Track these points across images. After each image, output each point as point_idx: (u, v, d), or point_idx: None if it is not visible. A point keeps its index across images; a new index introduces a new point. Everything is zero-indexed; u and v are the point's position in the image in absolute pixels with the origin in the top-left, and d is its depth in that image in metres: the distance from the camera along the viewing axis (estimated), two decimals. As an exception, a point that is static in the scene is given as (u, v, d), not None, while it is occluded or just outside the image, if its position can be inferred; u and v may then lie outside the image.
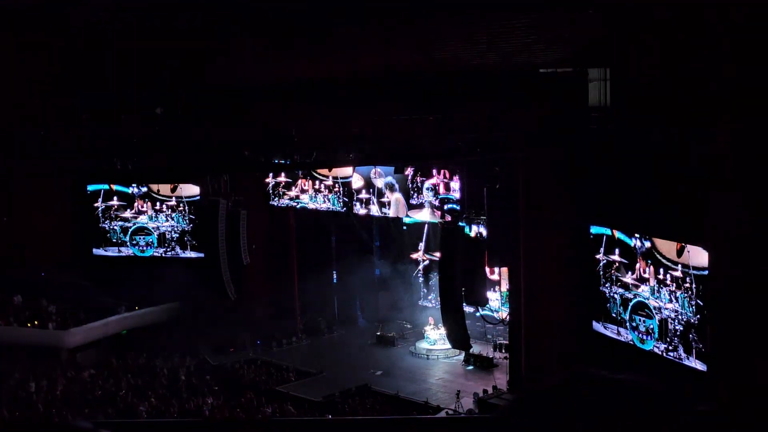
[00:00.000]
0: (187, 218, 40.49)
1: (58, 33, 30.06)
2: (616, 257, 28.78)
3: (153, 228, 41.02)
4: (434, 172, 34.99)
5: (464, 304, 30.99)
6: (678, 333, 26.53)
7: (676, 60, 25.74)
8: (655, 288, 27.34)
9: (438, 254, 34.26)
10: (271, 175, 38.90)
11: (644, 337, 27.99)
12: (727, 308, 19.68)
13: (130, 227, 41.29)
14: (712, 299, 21.13)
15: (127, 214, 41.23)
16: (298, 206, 39.95)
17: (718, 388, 19.98)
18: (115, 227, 41.38)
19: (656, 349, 27.44)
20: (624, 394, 1.26)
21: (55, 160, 26.80)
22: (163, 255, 40.85)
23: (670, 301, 26.71)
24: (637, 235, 27.91)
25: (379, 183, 37.10)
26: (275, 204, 40.28)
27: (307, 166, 30.56)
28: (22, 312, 37.73)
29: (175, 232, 40.79)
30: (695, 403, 1.30)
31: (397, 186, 36.54)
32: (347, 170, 36.98)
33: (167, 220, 40.82)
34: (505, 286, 33.95)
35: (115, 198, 41.16)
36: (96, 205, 41.34)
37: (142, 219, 41.11)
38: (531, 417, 1.25)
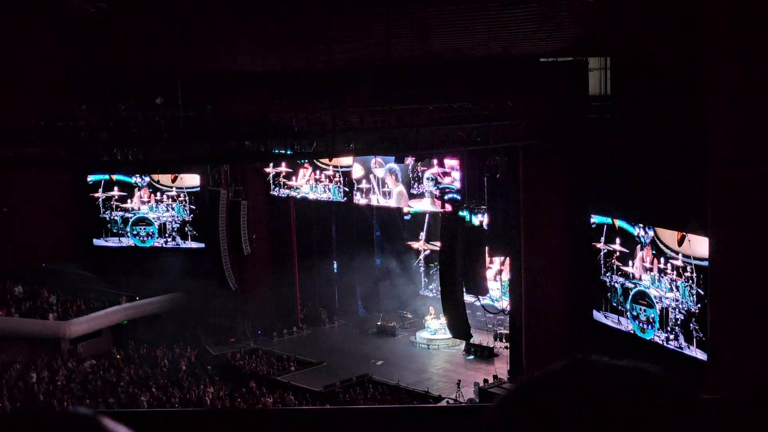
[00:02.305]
0: (187, 209, 40.51)
1: (58, 23, 30.05)
2: (617, 246, 28.79)
3: (154, 218, 41.04)
4: (435, 161, 34.94)
5: (465, 293, 31.00)
6: (679, 322, 26.56)
7: (677, 48, 25.71)
8: (656, 277, 27.37)
9: (438, 244, 34.22)
10: (271, 165, 38.83)
11: (645, 327, 28.03)
12: (727, 297, 19.68)
13: (131, 218, 41.32)
14: (712, 288, 21.14)
15: (128, 204, 41.26)
16: (298, 196, 39.92)
17: (718, 376, 19.99)
18: (116, 218, 41.41)
19: (657, 339, 27.47)
20: (625, 381, 1.25)
21: (55, 150, 26.77)
22: (164, 245, 40.88)
23: (671, 290, 26.74)
24: (639, 225, 27.92)
25: (380, 173, 37.05)
26: (276, 194, 40.25)
27: (307, 156, 30.51)
28: (23, 302, 37.76)
29: (175, 223, 40.82)
30: (697, 392, 1.29)
31: (398, 175, 36.51)
32: (347, 160, 36.92)
33: (168, 211, 40.85)
34: (505, 275, 33.95)
35: (115, 188, 41.18)
36: (96, 195, 41.35)
37: (143, 209, 41.14)
38: (530, 405, 1.24)
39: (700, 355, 24.72)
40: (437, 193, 35.25)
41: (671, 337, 26.81)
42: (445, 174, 35.19)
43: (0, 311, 36.86)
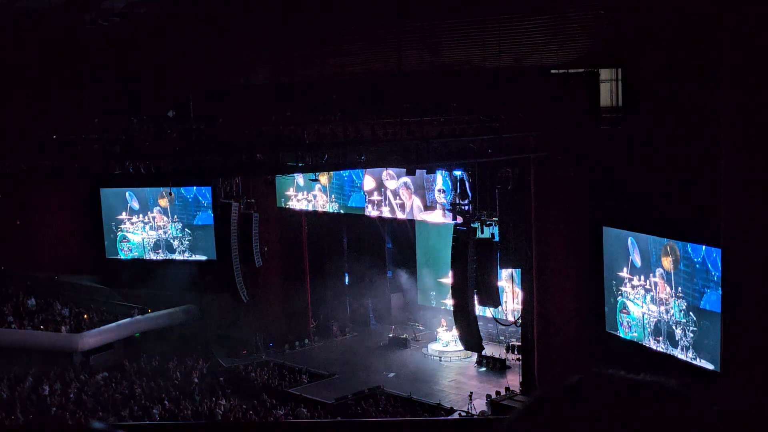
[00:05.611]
0: (199, 220, 40.59)
1: (72, 37, 30.22)
2: (629, 258, 28.72)
3: (165, 231, 41.13)
4: (446, 173, 34.94)
5: (477, 305, 30.96)
6: (689, 331, 26.47)
7: (688, 59, 25.69)
8: (666, 288, 27.29)
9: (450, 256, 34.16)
10: (283, 177, 38.84)
11: (655, 337, 27.94)
12: (739, 309, 19.60)
13: (143, 230, 41.41)
14: (725, 300, 21.06)
15: (140, 217, 41.37)
16: (310, 208, 39.97)
17: (731, 389, 19.90)
18: (128, 230, 41.52)
19: (666, 349, 27.38)
20: (640, 396, 1.25)
21: (68, 163, 26.89)
22: (176, 258, 40.96)
23: (683, 299, 26.68)
24: (649, 236, 27.86)
25: (391, 185, 37.08)
26: (287, 206, 40.31)
27: (319, 168, 30.55)
28: (35, 315, 37.87)
29: (187, 235, 40.90)
30: (711, 405, 1.29)
31: (411, 188, 36.55)
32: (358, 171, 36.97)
33: (180, 223, 40.94)
34: (516, 287, 33.90)
35: (127, 201, 41.31)
36: (108, 208, 41.48)
37: (155, 222, 41.24)
38: (546, 419, 1.25)
39: (710, 366, 24.61)
40: (449, 205, 35.23)
41: (682, 347, 26.72)
42: (457, 186, 35.17)
43: (13, 324, 37.01)
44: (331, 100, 33.41)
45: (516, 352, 34.63)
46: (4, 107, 35.37)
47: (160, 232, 41.20)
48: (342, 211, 39.40)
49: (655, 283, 27.72)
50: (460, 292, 30.51)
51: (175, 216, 40.94)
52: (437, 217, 36.41)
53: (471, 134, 27.57)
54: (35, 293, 39.18)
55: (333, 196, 39.18)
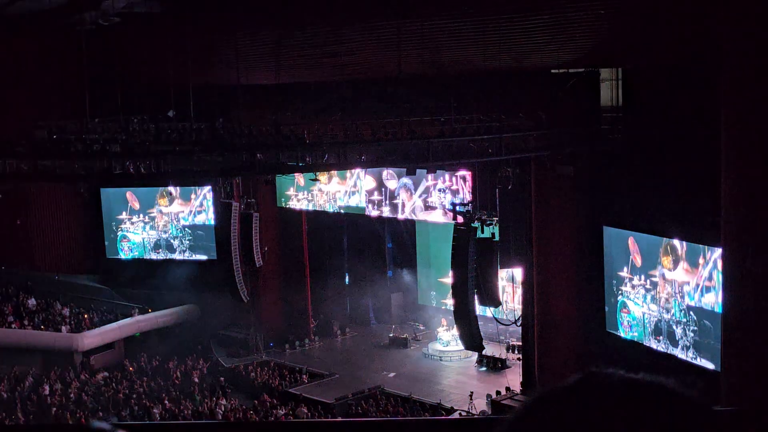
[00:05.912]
0: (199, 220, 40.56)
1: (72, 37, 30.23)
2: (629, 258, 28.71)
3: (165, 230, 41.13)
4: (446, 173, 34.95)
5: (477, 305, 30.94)
6: (689, 331, 26.47)
7: (688, 58, 25.70)
8: (667, 287, 27.29)
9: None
10: (283, 176, 38.83)
11: (656, 337, 27.94)
12: (740, 308, 19.61)
13: (143, 230, 41.41)
14: (725, 300, 21.07)
15: (140, 216, 41.36)
16: (310, 208, 39.96)
17: (731, 388, 19.91)
18: (128, 230, 41.52)
19: (667, 349, 27.38)
20: (640, 395, 1.25)
21: (68, 164, 26.89)
22: (176, 258, 40.96)
23: (683, 299, 26.67)
24: (649, 236, 27.86)
25: (391, 185, 37.08)
26: (287, 206, 40.30)
27: (319, 168, 30.54)
28: (36, 315, 37.87)
29: (187, 235, 40.90)
30: (711, 405, 1.30)
31: (411, 188, 36.55)
32: (358, 170, 36.95)
33: (179, 222, 40.94)
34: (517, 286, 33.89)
35: (127, 201, 41.31)
36: (109, 208, 41.48)
37: (155, 221, 41.23)
38: (546, 419, 1.25)
39: (711, 366, 24.61)
40: (449, 204, 35.23)
41: (683, 347, 26.73)
42: (457, 186, 35.17)
43: (13, 323, 37.02)
44: (331, 100, 33.41)
45: (516, 352, 34.64)
46: (4, 107, 35.38)
47: (161, 231, 41.24)
48: (342, 211, 39.42)
49: (656, 283, 27.75)
50: (460, 291, 30.48)
51: (176, 215, 40.95)
52: (437, 217, 36.40)
53: (471, 134, 27.55)
54: (35, 293, 39.18)
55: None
